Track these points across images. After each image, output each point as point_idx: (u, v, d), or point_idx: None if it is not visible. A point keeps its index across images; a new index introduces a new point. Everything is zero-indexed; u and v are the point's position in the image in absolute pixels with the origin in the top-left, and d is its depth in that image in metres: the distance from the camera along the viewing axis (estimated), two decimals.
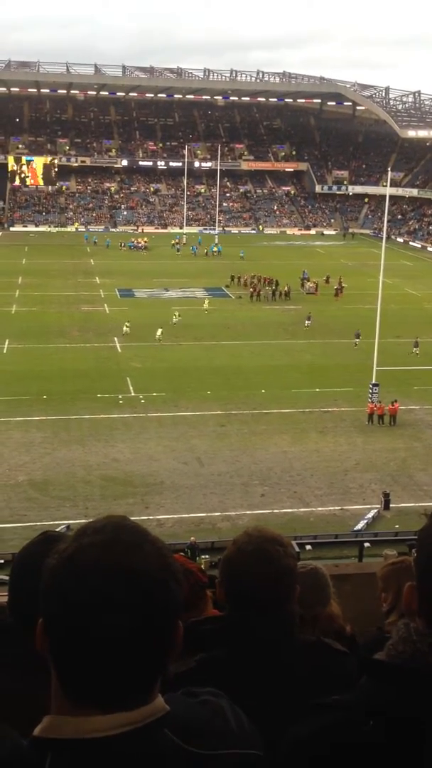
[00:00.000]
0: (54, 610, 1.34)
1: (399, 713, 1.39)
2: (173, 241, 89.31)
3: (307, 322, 53.21)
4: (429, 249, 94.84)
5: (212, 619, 2.55)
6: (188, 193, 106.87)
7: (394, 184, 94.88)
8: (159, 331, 48.71)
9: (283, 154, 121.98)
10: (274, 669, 2.15)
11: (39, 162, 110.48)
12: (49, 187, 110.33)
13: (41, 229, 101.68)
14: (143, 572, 1.33)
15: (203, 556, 21.57)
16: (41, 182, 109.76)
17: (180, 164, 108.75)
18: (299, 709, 1.50)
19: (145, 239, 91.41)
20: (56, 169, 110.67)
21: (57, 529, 2.83)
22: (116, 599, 1.31)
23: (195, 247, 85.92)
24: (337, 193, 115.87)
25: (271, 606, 2.27)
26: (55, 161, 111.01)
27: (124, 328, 49.58)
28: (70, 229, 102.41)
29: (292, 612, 2.34)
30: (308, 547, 22.70)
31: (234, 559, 2.36)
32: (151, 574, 1.34)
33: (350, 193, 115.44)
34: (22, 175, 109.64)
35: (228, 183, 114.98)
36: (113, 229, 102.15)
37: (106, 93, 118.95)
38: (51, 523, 24.36)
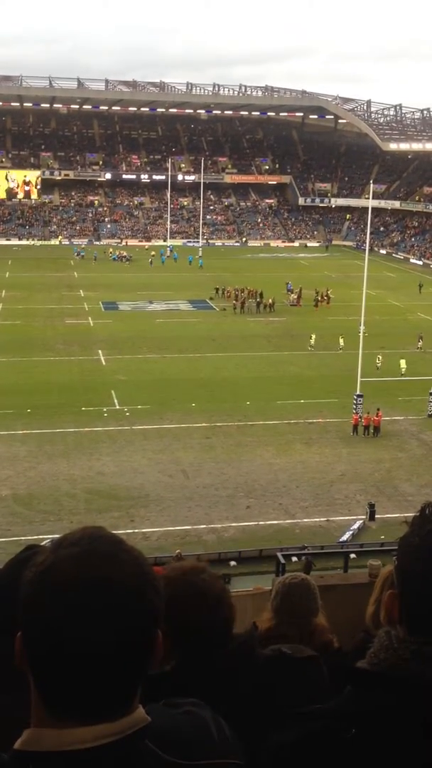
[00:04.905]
0: (32, 624, 1.33)
1: (381, 721, 1.39)
2: (163, 253, 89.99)
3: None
4: (412, 260, 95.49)
5: (167, 673, 2.45)
6: (172, 206, 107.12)
7: (376, 196, 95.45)
8: (341, 341, 49.47)
9: (266, 167, 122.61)
10: (236, 693, 2.10)
11: (19, 176, 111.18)
12: (32, 201, 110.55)
13: (24, 242, 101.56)
14: (120, 582, 1.33)
15: None
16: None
17: (163, 177, 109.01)
18: (277, 720, 1.49)
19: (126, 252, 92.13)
20: (30, 183, 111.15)
21: (42, 544, 2.79)
22: (94, 611, 1.30)
23: (164, 258, 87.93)
24: (320, 205, 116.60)
25: (220, 635, 2.21)
26: (27, 177, 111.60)
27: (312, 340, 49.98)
28: (54, 242, 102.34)
29: (233, 635, 2.28)
30: (294, 559, 22.64)
31: (169, 605, 2.31)
32: (128, 584, 1.34)
33: (333, 206, 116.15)
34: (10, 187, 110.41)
35: (211, 196, 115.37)
36: (97, 243, 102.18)
37: (90, 107, 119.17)
38: (35, 537, 24.18)
